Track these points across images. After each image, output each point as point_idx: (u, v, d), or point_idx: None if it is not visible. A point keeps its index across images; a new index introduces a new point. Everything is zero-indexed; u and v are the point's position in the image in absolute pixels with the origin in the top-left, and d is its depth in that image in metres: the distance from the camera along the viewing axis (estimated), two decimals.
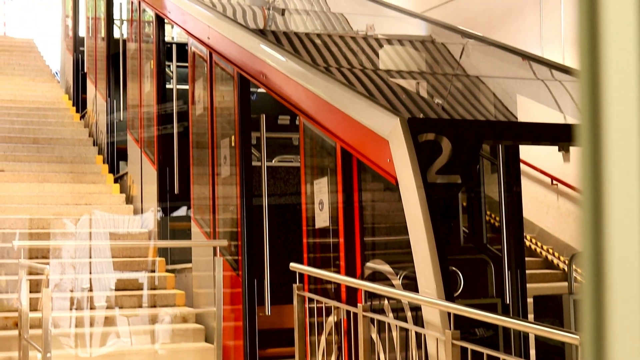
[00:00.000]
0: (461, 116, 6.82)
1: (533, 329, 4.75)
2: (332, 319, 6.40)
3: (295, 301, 6.69)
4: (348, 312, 6.12)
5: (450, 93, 7.56)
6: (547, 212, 12.53)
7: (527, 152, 12.09)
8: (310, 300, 6.62)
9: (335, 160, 6.36)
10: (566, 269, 11.07)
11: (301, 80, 6.78)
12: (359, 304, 5.81)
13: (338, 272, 6.32)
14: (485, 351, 4.75)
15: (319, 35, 8.97)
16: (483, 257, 7.17)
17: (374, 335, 5.84)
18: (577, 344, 4.17)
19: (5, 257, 8.97)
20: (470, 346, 4.79)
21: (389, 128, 5.49)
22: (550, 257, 11.89)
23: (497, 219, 7.82)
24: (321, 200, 6.63)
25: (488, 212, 8.47)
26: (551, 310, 6.98)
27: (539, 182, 12.60)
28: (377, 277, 6.00)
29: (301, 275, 6.76)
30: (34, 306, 7.41)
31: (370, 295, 5.91)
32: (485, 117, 7.25)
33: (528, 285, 8.71)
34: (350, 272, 6.16)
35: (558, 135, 6.71)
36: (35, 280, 7.68)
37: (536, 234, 12.51)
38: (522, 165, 12.12)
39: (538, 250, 12.13)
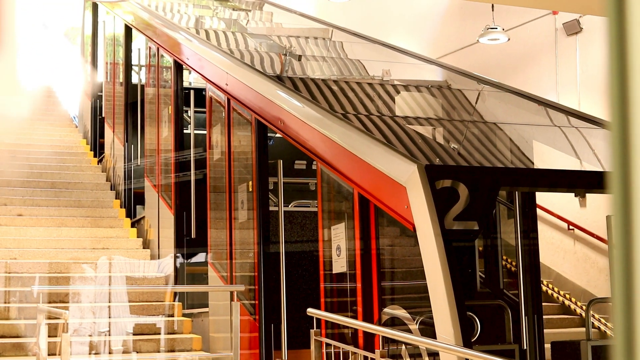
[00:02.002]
0: (478, 162, 6.86)
1: None
2: None
3: (312, 346, 6.70)
4: (365, 358, 6.12)
5: (466, 139, 7.62)
6: (563, 257, 12.50)
7: (544, 198, 12.10)
8: (328, 345, 6.63)
9: (352, 206, 6.40)
10: (583, 314, 11.03)
11: (318, 126, 6.84)
12: (376, 350, 5.83)
13: (355, 317, 6.33)
14: None
15: (335, 82, 9.06)
16: (500, 302, 7.17)
17: None
18: None
19: (24, 301, 9.01)
20: None
21: (407, 175, 5.53)
22: (567, 302, 11.84)
23: (514, 264, 7.83)
24: (339, 245, 6.66)
25: (505, 257, 8.48)
26: (569, 356, 6.96)
27: (556, 228, 12.59)
28: (394, 322, 6.01)
29: (318, 320, 6.77)
30: (52, 350, 7.42)
31: (388, 341, 5.92)
32: (502, 163, 7.29)
33: (545, 330, 8.71)
34: (368, 318, 6.17)
35: (574, 182, 6.73)
36: (54, 325, 7.70)
37: (553, 279, 12.47)
38: (538, 211, 12.13)
39: (555, 295, 12.09)
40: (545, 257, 12.43)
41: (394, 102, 8.52)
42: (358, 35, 12.41)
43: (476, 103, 9.04)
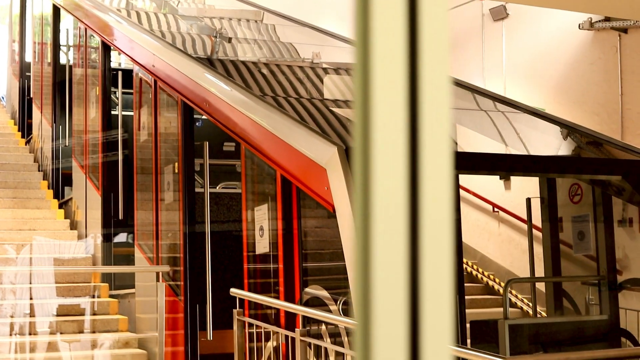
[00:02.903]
0: None
1: (461, 352, 4.89)
2: (271, 344, 6.49)
3: (235, 326, 6.78)
4: (287, 337, 6.22)
5: None
6: (488, 239, 12.74)
7: (470, 181, 12.31)
8: (250, 325, 6.71)
9: (275, 187, 6.48)
10: None
11: (242, 108, 6.90)
12: (296, 329, 5.92)
13: (278, 297, 6.42)
14: None
15: (266, 64, 9.11)
16: None
17: None
18: None
19: None
20: None
21: (327, 156, 5.62)
22: (491, 283, 12.08)
23: None
24: (261, 226, 6.74)
25: None
26: (487, 334, 7.13)
27: (481, 210, 12.81)
28: (315, 302, 6.11)
29: (242, 300, 6.85)
30: None
31: (309, 321, 6.02)
32: None
33: (469, 310, 8.88)
34: (289, 298, 6.26)
35: (496, 165, 6.87)
36: None
37: (478, 261, 12.70)
38: (465, 193, 12.34)
39: (479, 276, 12.32)
40: (471, 238, 12.67)
41: (323, 85, 8.60)
42: (289, 18, 12.45)
43: None
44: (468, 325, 7.69)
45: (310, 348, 5.87)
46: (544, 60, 11.93)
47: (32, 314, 8.68)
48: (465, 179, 12.22)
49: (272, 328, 6.44)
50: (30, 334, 8.41)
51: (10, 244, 10.27)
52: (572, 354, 6.17)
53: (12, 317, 8.47)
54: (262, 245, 6.73)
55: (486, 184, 12.39)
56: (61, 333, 8.55)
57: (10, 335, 8.25)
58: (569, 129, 7.90)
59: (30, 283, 9.28)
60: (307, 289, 6.18)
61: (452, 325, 0.89)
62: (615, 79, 10.87)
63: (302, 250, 6.25)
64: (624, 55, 10.82)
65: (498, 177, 12.29)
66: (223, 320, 7.70)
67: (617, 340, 6.95)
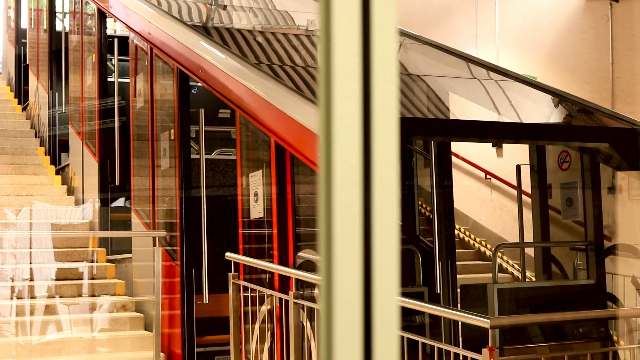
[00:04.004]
0: None
1: (445, 312, 5.05)
2: (265, 307, 6.64)
3: (230, 289, 6.93)
4: (280, 300, 6.37)
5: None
6: (480, 205, 12.90)
7: (463, 148, 12.45)
8: (245, 288, 6.86)
9: (269, 154, 6.60)
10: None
11: (237, 76, 7.00)
12: (290, 292, 6.07)
13: (272, 261, 6.57)
14: (406, 335, 5.04)
15: (261, 32, 9.19)
16: (411, 247, 7.46)
17: (306, 323, 6.09)
18: (487, 326, 4.47)
19: None
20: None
21: None
22: (482, 248, 12.25)
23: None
24: (256, 192, 6.87)
25: (424, 205, 8.78)
26: (476, 298, 7.30)
27: (474, 177, 12.96)
28: (308, 266, 6.26)
29: (237, 264, 6.99)
30: None
31: (302, 284, 6.16)
32: (420, 114, 7.51)
33: (461, 275, 9.04)
34: (283, 262, 6.41)
35: (487, 132, 6.98)
36: None
37: (470, 227, 12.87)
38: (457, 160, 12.48)
39: (471, 242, 12.49)
40: (463, 205, 12.83)
41: (318, 53, 8.68)
42: None
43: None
44: (459, 290, 7.86)
45: (303, 310, 6.03)
46: (536, 29, 12.02)
47: (31, 278, 8.83)
48: (458, 146, 12.36)
49: (266, 291, 6.59)
50: (30, 297, 8.57)
51: (9, 209, 10.40)
52: (554, 314, 6.34)
53: (12, 280, 8.62)
54: (257, 211, 6.87)
55: (479, 151, 12.53)
56: (60, 297, 8.71)
57: (11, 298, 8.41)
58: (560, 97, 8.01)
59: (30, 248, 9.42)
60: (300, 253, 6.33)
61: (397, 275, 1.05)
62: (606, 47, 10.98)
63: (296, 215, 6.39)
64: (615, 24, 10.92)
65: (491, 144, 12.46)
66: (218, 284, 7.84)
67: (603, 304, 7.11)
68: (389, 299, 1.05)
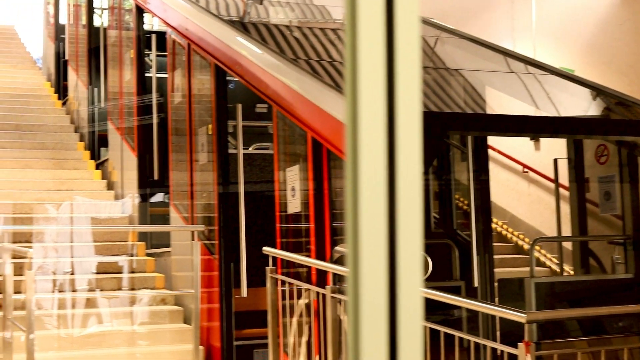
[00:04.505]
0: (428, 108, 7.09)
1: (481, 307, 5.06)
2: (303, 300, 6.69)
3: (268, 283, 6.98)
4: (318, 294, 6.41)
5: (424, 83, 7.83)
6: (518, 199, 12.86)
7: (500, 141, 12.41)
8: (283, 282, 6.91)
9: (306, 148, 6.64)
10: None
11: (273, 71, 7.04)
12: (327, 286, 6.11)
13: (309, 255, 6.61)
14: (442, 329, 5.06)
15: (298, 27, 9.23)
16: (448, 241, 7.46)
17: (343, 317, 6.13)
18: (523, 321, 4.48)
19: None
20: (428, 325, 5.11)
21: None
22: (520, 242, 12.22)
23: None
24: (293, 187, 6.91)
25: (462, 199, 8.78)
26: (514, 292, 7.29)
27: (511, 170, 12.92)
28: (345, 260, 6.29)
29: (274, 258, 7.04)
30: (17, 288, 7.65)
31: (340, 278, 6.20)
32: (454, 109, 7.51)
33: (498, 269, 9.03)
34: (320, 256, 6.44)
35: (524, 127, 6.95)
36: (19, 264, 7.93)
37: (508, 220, 12.84)
38: (494, 153, 12.45)
39: (509, 236, 12.46)
40: (501, 199, 12.79)
41: None
42: None
43: (433, 50, 9.25)
44: (496, 283, 7.86)
45: (340, 304, 6.07)
46: (573, 21, 11.95)
47: (72, 272, 8.94)
48: (496, 140, 12.32)
49: (303, 285, 6.63)
50: (71, 290, 8.68)
51: (50, 203, 10.53)
52: (590, 309, 6.33)
53: (54, 273, 8.74)
54: (294, 205, 6.91)
55: (516, 145, 12.49)
56: (101, 290, 8.81)
57: (53, 291, 8.52)
58: (598, 91, 7.97)
59: (71, 241, 9.54)
60: (337, 247, 6.36)
61: (421, 266, 1.11)
62: None
63: (333, 209, 6.42)
64: None
65: (528, 138, 12.40)
66: (256, 278, 7.89)
67: None
68: (413, 289, 1.09)
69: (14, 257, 7.72)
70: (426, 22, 9.76)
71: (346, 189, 1.10)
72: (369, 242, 1.08)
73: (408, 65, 1.11)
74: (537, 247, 11.68)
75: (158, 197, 10.72)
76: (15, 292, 7.58)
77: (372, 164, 1.09)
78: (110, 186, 11.97)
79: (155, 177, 10.42)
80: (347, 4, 1.10)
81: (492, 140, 11.20)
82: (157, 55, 11.05)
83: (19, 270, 7.90)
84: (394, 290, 1.09)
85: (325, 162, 6.42)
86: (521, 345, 4.45)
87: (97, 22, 13.97)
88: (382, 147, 1.09)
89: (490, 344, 5.05)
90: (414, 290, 1.09)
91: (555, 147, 9.97)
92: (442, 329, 5.11)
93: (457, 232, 8.16)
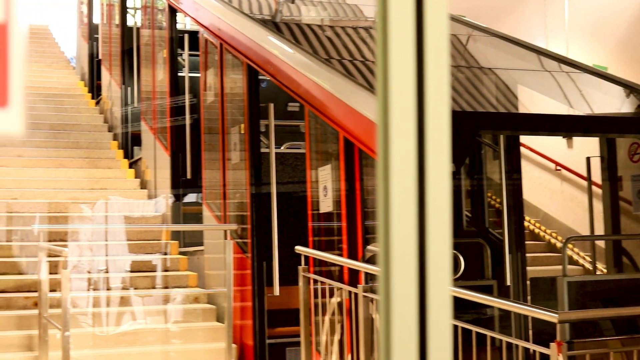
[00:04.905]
0: (461, 107, 7.08)
1: (513, 307, 5.06)
2: (335, 299, 6.71)
3: (300, 282, 7.01)
4: (350, 293, 6.42)
5: (456, 81, 7.81)
6: (551, 197, 12.80)
7: (533, 139, 12.35)
8: (315, 281, 6.93)
9: (338, 148, 6.66)
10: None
11: (305, 71, 7.07)
12: (359, 285, 6.13)
13: (341, 254, 6.63)
14: (473, 328, 5.06)
15: (331, 26, 9.24)
16: (479, 240, 7.45)
17: (375, 316, 6.15)
18: (555, 321, 4.48)
19: (25, 240, 9.31)
20: (459, 324, 5.11)
21: None
22: (553, 240, 12.17)
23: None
24: (325, 186, 6.94)
25: (494, 198, 8.75)
26: (546, 291, 7.26)
27: (544, 168, 12.86)
28: (377, 259, 6.30)
29: (307, 257, 7.07)
30: (52, 287, 7.74)
31: (372, 277, 6.22)
32: (486, 107, 7.49)
33: (531, 268, 8.99)
34: (352, 255, 6.46)
35: (556, 126, 6.93)
36: (54, 262, 8.01)
37: (540, 219, 12.78)
38: (527, 151, 12.40)
39: (542, 234, 12.41)
40: (533, 197, 12.74)
41: None
42: None
43: (464, 48, 9.23)
44: (528, 282, 7.84)
45: (372, 303, 6.08)
46: (606, 18, 11.87)
47: (106, 270, 9.02)
48: (528, 137, 12.26)
49: (336, 284, 6.65)
50: (105, 289, 8.76)
51: (84, 202, 10.62)
52: (623, 309, 6.30)
53: (88, 272, 8.82)
54: (326, 204, 6.94)
55: (549, 143, 12.43)
56: (134, 288, 8.88)
57: (87, 290, 8.61)
58: (631, 89, 7.92)
59: (106, 240, 9.63)
60: (369, 247, 6.38)
61: (450, 265, 1.14)
62: None
63: (365, 208, 6.44)
64: None
65: (561, 136, 12.34)
66: (289, 277, 7.92)
67: None
68: (442, 288, 1.12)
69: (49, 256, 7.81)
70: (458, 20, 9.75)
71: (378, 188, 1.13)
72: (399, 240, 1.12)
73: (437, 63, 1.14)
74: (569, 246, 11.62)
75: (191, 196, 10.78)
76: (50, 291, 7.67)
77: (402, 163, 1.11)
78: (143, 185, 12.05)
79: (188, 176, 10.48)
80: (379, 4, 1.13)
81: (524, 138, 11.15)
82: (190, 55, 11.11)
83: (54, 268, 7.99)
84: (423, 289, 1.12)
85: (357, 161, 6.43)
86: (553, 345, 4.44)
87: (130, 22, 14.06)
88: (412, 146, 1.12)
89: (522, 343, 5.05)
90: (442, 289, 1.12)
91: (589, 145, 9.92)
92: (474, 329, 5.11)
93: (490, 231, 8.14)
